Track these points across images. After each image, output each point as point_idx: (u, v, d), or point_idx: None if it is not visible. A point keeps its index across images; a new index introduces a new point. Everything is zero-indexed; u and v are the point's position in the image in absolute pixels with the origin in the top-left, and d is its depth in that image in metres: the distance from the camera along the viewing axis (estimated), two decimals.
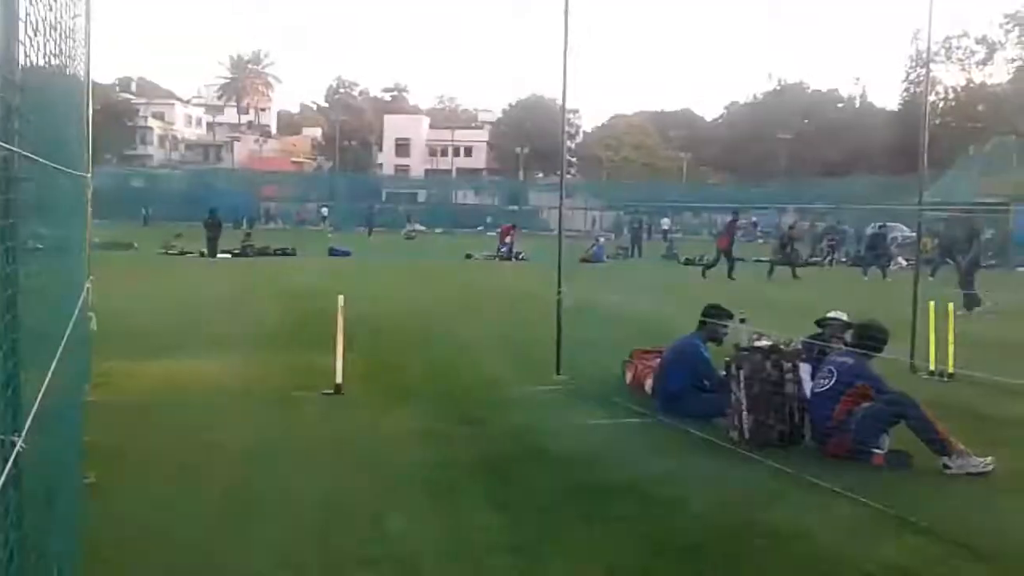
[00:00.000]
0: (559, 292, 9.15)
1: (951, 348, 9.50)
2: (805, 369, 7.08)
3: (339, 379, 7.81)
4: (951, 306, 9.85)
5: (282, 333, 11.61)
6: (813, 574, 4.15)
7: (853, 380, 6.32)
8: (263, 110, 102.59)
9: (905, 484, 5.64)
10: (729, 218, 26.85)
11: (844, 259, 34.09)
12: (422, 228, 48.58)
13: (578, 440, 6.54)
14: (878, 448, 6.09)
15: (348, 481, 5.38)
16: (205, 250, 28.05)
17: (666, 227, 45.77)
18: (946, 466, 5.88)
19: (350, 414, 7.15)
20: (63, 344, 3.75)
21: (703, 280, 23.00)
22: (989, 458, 5.86)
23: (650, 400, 7.82)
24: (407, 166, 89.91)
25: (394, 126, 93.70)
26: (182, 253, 28.04)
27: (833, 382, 6.37)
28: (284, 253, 29.30)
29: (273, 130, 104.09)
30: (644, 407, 7.61)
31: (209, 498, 4.98)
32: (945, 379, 9.26)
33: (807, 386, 7.10)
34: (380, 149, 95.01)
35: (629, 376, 8.58)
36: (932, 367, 9.43)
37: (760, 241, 42.91)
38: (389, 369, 9.20)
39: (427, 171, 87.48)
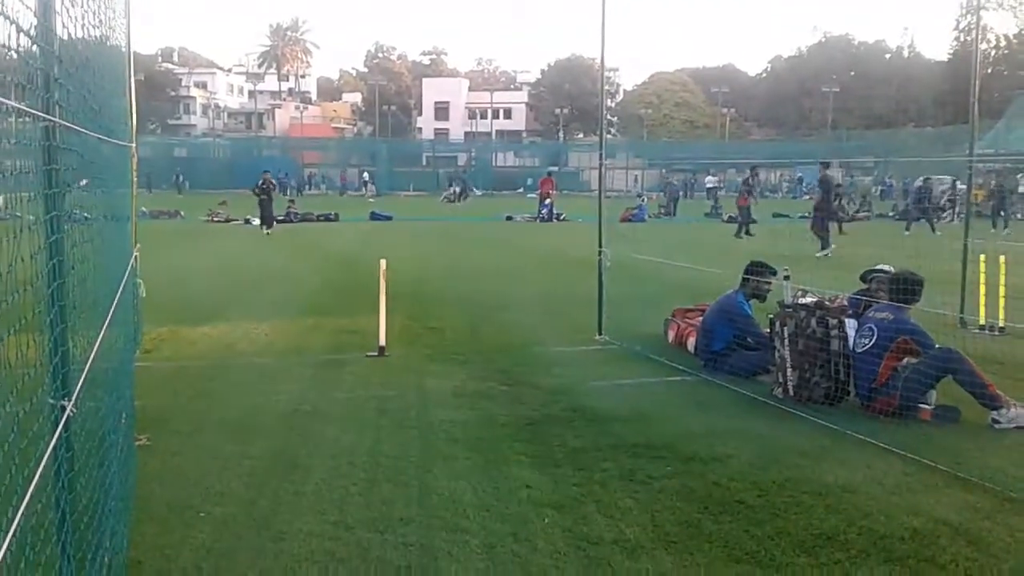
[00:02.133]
0: (600, 252, 9.11)
1: (1002, 302, 9.31)
2: (851, 325, 6.98)
3: (383, 341, 7.90)
4: (1003, 259, 9.62)
5: (326, 297, 11.74)
6: (859, 528, 4.12)
7: (894, 335, 6.22)
8: (303, 77, 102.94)
9: (953, 439, 5.56)
10: (746, 174, 26.31)
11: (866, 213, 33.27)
12: (473, 191, 48.49)
13: (620, 399, 6.54)
14: (925, 404, 6.02)
15: (392, 440, 5.45)
16: (257, 219, 25.80)
17: (710, 185, 45.11)
18: (995, 420, 5.80)
19: (394, 375, 7.23)
20: (112, 311, 3.83)
21: (745, 238, 22.74)
22: None
23: (692, 358, 7.80)
24: (446, 129, 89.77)
25: (433, 90, 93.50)
26: (227, 220, 28.41)
27: (874, 340, 6.27)
28: (327, 219, 29.58)
29: (313, 96, 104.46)
30: (687, 365, 7.59)
31: (258, 458, 5.08)
32: (996, 333, 9.08)
33: (853, 342, 7.03)
34: (419, 113, 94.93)
35: (671, 335, 8.55)
36: (982, 321, 9.26)
37: (807, 197, 42.17)
38: (432, 331, 9.26)
39: (467, 134, 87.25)
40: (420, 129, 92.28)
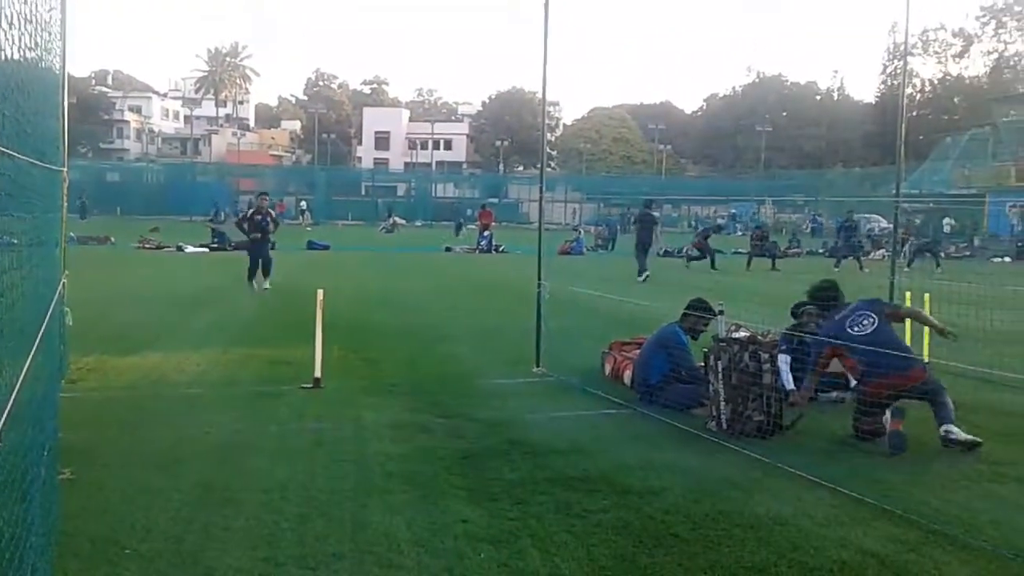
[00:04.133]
0: (539, 284, 9.16)
1: (927, 339, 9.59)
2: (783, 360, 7.15)
3: (318, 373, 7.80)
4: (927, 296, 9.93)
5: (260, 327, 11.57)
6: (789, 560, 4.19)
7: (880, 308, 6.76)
8: (241, 103, 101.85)
9: (880, 472, 5.71)
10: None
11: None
12: (402, 221, 48.40)
13: (557, 432, 6.56)
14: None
15: (326, 474, 5.37)
16: (193, 246, 26.59)
17: None
18: (948, 432, 6.20)
19: (329, 407, 7.14)
20: (38, 340, 3.72)
21: (684, 271, 23.16)
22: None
23: (629, 391, 7.87)
24: (386, 159, 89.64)
25: (373, 119, 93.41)
26: (159, 247, 27.85)
27: (877, 323, 6.56)
28: None
29: (251, 123, 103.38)
30: (623, 398, 7.66)
31: (186, 492, 4.95)
32: None
33: (785, 377, 7.19)
34: (359, 142, 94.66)
35: (608, 367, 8.62)
36: None
37: (739, 233, 43.07)
38: (368, 362, 9.19)
39: (406, 164, 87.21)
40: (360, 158, 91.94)
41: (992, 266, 29.81)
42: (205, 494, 4.95)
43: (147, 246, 28.02)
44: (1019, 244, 35.74)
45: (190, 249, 27.34)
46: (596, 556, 4.21)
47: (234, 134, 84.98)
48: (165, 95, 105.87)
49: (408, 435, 6.34)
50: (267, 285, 15.65)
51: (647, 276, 20.15)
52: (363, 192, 68.15)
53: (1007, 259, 33.64)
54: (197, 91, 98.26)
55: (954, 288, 13.98)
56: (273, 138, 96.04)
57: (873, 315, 6.67)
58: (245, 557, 4.07)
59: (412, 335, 11.23)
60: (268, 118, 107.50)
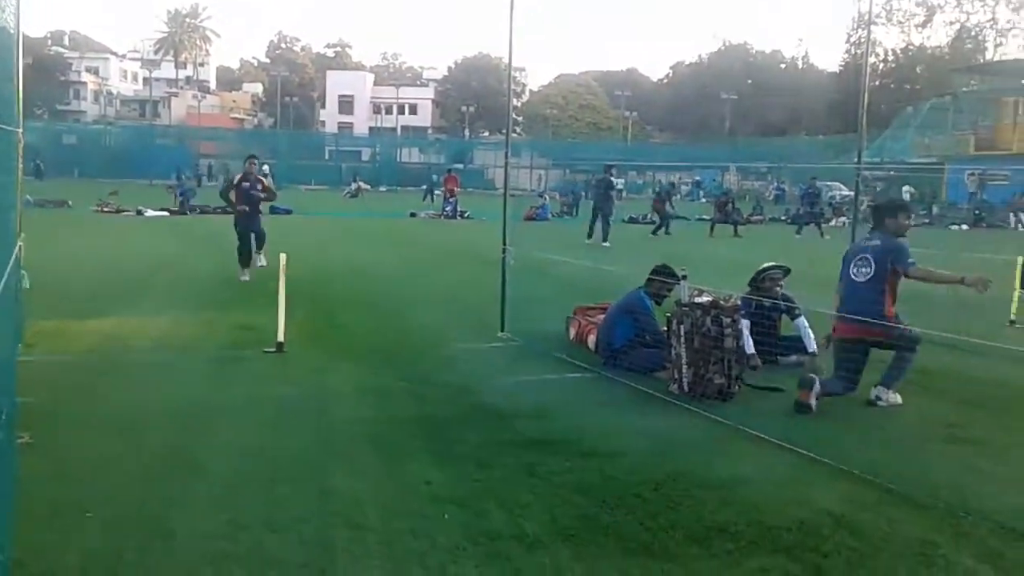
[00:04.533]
0: (504, 250, 9.16)
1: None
2: (744, 324, 7.25)
3: (281, 337, 7.75)
4: None
5: (222, 292, 11.45)
6: (748, 520, 4.27)
7: (887, 258, 6.53)
8: (202, 65, 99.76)
9: (837, 434, 5.82)
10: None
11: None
12: (366, 186, 47.98)
13: (521, 395, 6.60)
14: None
15: (290, 438, 5.37)
16: (156, 210, 25.99)
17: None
18: (879, 398, 6.47)
19: (293, 372, 7.11)
20: None
21: (648, 238, 23.27)
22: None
23: (593, 355, 7.93)
24: (351, 124, 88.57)
25: (337, 83, 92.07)
26: (118, 211, 27.36)
27: (874, 269, 6.56)
28: (225, 211, 28.71)
29: (212, 86, 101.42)
30: (587, 362, 7.71)
31: (148, 457, 4.92)
32: None
33: (746, 340, 7.30)
34: (323, 106, 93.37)
35: (572, 332, 8.67)
36: None
37: (703, 200, 43.29)
38: (332, 327, 9.15)
39: (371, 129, 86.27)
40: (323, 122, 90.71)
41: (950, 233, 30.31)
42: (167, 459, 4.92)
43: (106, 210, 27.50)
44: (976, 212, 36.36)
45: (150, 213, 26.89)
46: (559, 516, 4.25)
47: (194, 97, 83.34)
48: (123, 56, 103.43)
49: (372, 400, 6.35)
50: (263, 262, 13.17)
51: (598, 244, 20.27)
52: (327, 156, 67.34)
53: (964, 227, 34.23)
54: (156, 53, 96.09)
55: (913, 253, 14.05)
56: (235, 101, 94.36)
57: (874, 264, 6.56)
58: (209, 521, 4.06)
59: (376, 300, 11.20)
60: (229, 81, 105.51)
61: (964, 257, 15.03)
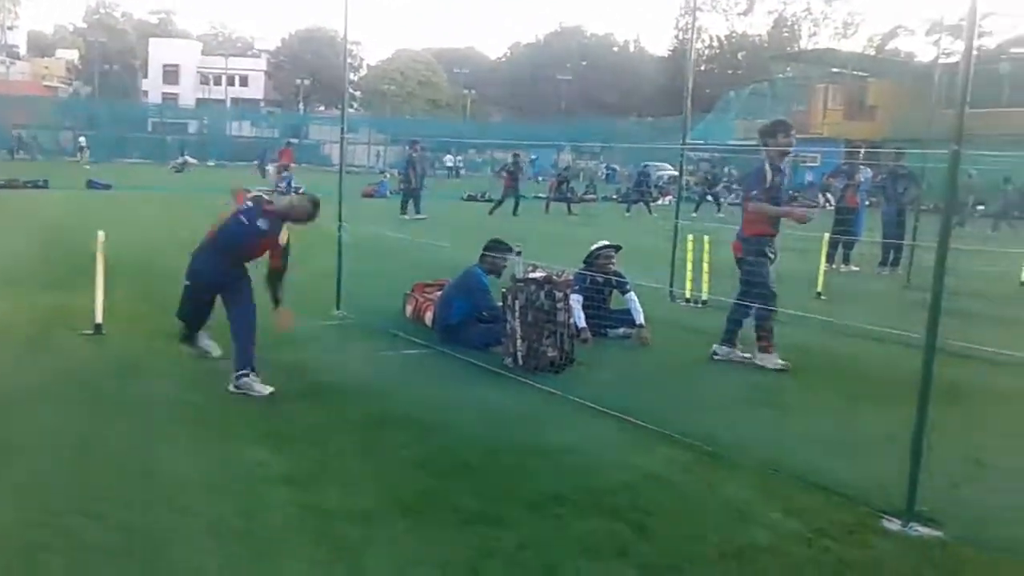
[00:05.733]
0: (339, 227, 9.02)
1: (706, 277, 10.30)
2: (576, 299, 7.48)
3: (99, 318, 7.33)
4: (707, 239, 10.63)
5: (36, 272, 10.67)
6: (577, 485, 4.43)
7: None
8: (11, 29, 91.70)
9: (664, 401, 6.14)
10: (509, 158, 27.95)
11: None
12: (193, 161, 45.80)
13: (357, 373, 6.55)
14: None
15: (109, 421, 5.10)
16: None
17: (451, 164, 45.94)
18: (715, 353, 7.19)
19: (111, 354, 6.74)
20: None
21: (486, 216, 23.47)
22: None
23: (430, 332, 7.96)
24: (176, 94, 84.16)
25: (161, 51, 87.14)
26: None
27: (742, 192, 7.43)
28: (36, 186, 26.74)
29: (22, 51, 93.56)
30: (424, 338, 7.73)
31: None
32: (699, 305, 10.07)
33: (578, 315, 7.54)
34: (145, 76, 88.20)
35: (409, 309, 8.66)
36: (688, 295, 10.24)
37: (540, 179, 44.05)
38: (154, 306, 8.69)
39: (198, 100, 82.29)
40: (146, 92, 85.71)
41: None
42: None
43: None
44: (790, 191, 38.78)
45: None
46: (396, 491, 4.27)
47: (2, 62, 76.68)
48: None
49: (199, 380, 6.12)
50: None
51: (417, 219, 20.92)
52: (150, 129, 63.73)
53: None
54: None
55: (733, 231, 14.85)
56: (47, 68, 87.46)
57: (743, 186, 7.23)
58: (24, 508, 3.82)
59: None
60: (42, 46, 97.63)
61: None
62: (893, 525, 4.14)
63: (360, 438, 5.05)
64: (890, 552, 3.91)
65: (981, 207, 27.55)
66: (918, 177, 14.56)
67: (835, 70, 49.52)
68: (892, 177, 14.86)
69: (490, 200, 26.87)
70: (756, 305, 7.12)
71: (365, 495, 4.21)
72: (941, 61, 18.38)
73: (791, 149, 7.42)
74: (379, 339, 7.82)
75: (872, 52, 60.55)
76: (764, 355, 7.15)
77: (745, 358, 7.27)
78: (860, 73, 48.95)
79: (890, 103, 43.54)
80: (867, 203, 15.90)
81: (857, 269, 14.41)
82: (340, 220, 8.98)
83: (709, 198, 28.05)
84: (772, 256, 7.19)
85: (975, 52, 4.07)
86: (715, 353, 7.38)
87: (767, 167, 7.22)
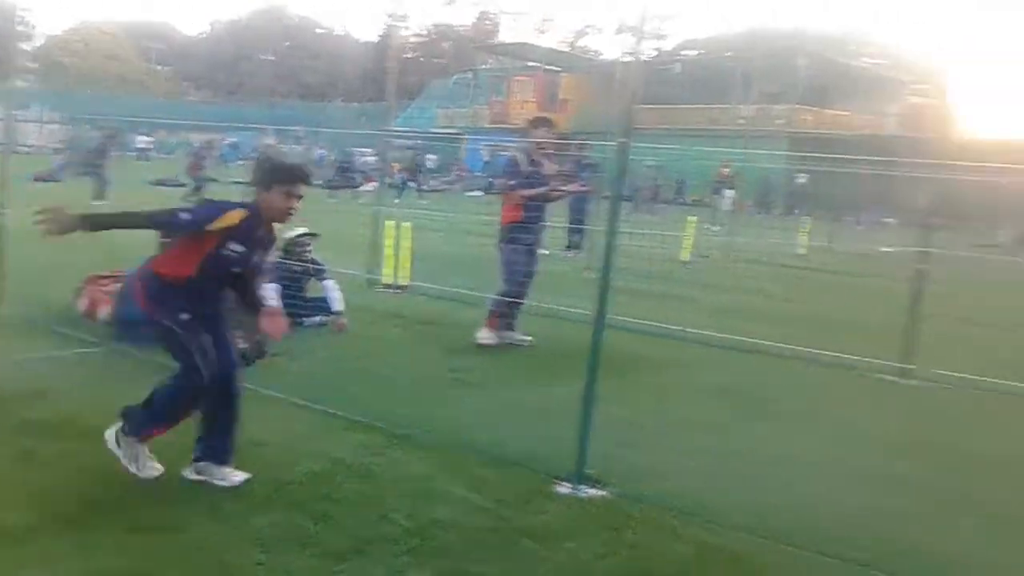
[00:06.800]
0: (1, 213, 8.10)
1: (407, 263, 10.48)
2: (273, 288, 7.26)
3: None
4: (408, 225, 10.80)
5: None
6: (265, 479, 4.31)
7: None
8: None
9: (355, 388, 6.18)
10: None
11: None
12: None
13: (17, 377, 5.91)
14: None
15: None
16: None
17: (142, 145, 42.65)
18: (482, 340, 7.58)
19: None
20: None
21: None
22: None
23: (106, 329, 7.36)
24: None
25: None
26: None
27: None
28: None
29: None
30: (96, 336, 7.15)
31: None
32: (399, 291, 10.23)
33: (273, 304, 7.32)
34: None
35: (83, 304, 7.94)
36: (387, 280, 10.37)
37: (240, 163, 42.25)
38: None
39: None
40: None
41: (468, 199, 33.36)
42: None
43: None
44: (488, 180, 40.37)
45: None
46: (58, 502, 3.92)
47: None
48: None
49: None
50: None
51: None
52: None
53: (479, 192, 37.77)
54: None
55: (434, 217, 15.38)
56: None
57: None
58: None
59: None
60: None
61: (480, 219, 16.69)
62: (564, 489, 4.49)
63: (18, 447, 4.58)
64: (561, 515, 4.23)
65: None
66: (601, 167, 15.80)
67: (531, 64, 52.27)
68: (578, 167, 15.99)
69: (182, 186, 25.40)
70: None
71: (21, 510, 3.83)
72: (622, 60, 20.00)
73: (546, 141, 7.89)
74: (46, 338, 7.13)
75: (566, 48, 64.65)
76: (484, 330, 7.66)
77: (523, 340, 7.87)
78: (553, 68, 52.05)
79: (580, 97, 46.73)
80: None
81: (546, 252, 15.34)
82: (3, 206, 8.07)
83: (411, 184, 28.51)
84: (529, 243, 7.75)
85: (656, 53, 4.53)
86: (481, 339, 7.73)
87: (519, 156, 7.77)
